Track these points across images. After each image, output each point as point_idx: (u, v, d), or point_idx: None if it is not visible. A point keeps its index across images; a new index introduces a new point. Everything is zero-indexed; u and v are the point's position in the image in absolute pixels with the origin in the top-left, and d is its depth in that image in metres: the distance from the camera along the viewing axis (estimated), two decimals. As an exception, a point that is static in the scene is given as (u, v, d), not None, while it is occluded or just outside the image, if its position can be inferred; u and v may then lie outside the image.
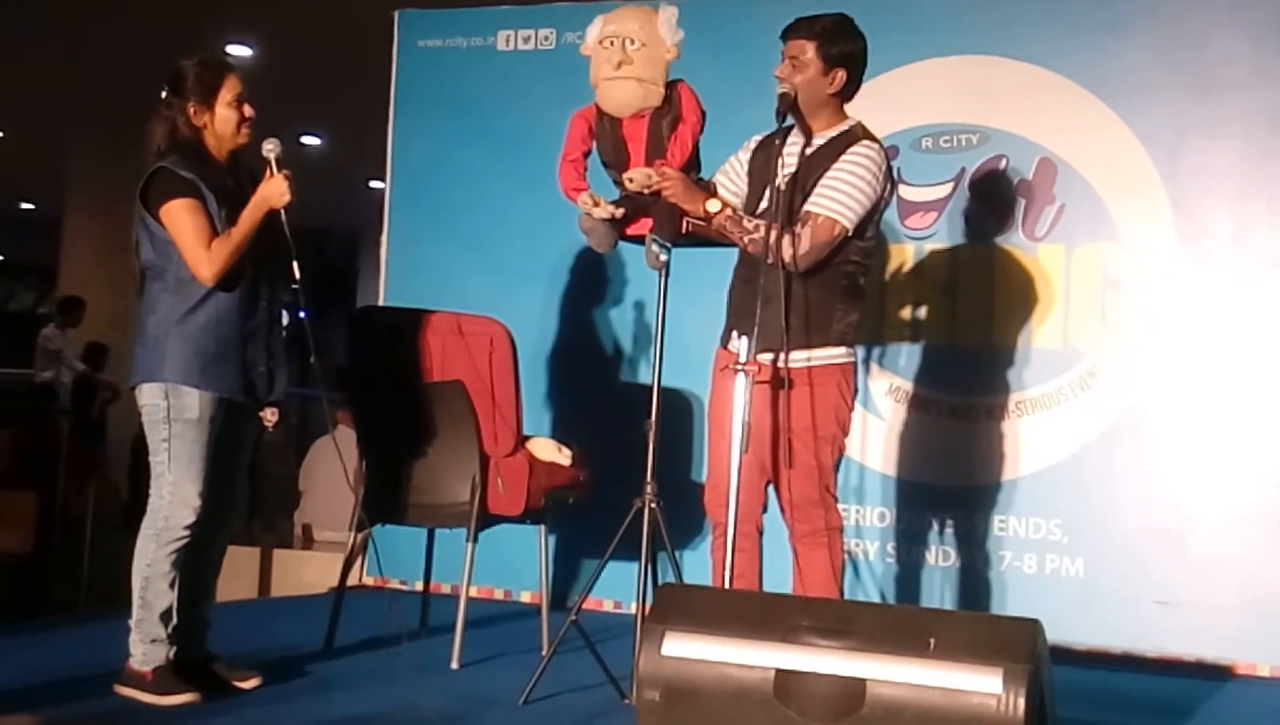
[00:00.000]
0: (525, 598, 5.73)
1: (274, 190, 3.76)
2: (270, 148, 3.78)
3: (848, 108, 3.93)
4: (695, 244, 3.94)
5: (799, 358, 3.80)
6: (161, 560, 3.69)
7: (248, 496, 4.15)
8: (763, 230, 3.75)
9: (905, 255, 5.50)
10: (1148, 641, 5.04)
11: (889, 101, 5.13)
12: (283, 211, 3.81)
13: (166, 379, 3.69)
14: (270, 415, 3.94)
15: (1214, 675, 4.87)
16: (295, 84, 10.32)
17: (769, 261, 3.68)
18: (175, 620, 3.73)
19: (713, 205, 3.82)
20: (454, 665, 4.33)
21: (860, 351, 4.10)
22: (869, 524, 5.43)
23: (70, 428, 8.81)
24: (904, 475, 5.41)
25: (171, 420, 3.68)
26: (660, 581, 3.86)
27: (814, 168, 3.81)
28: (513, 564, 5.35)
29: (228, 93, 3.79)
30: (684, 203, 3.83)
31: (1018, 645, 2.79)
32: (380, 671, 4.30)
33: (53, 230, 13.44)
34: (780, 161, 3.78)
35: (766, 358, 3.76)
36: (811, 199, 3.77)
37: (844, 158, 3.78)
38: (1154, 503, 5.12)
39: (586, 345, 5.88)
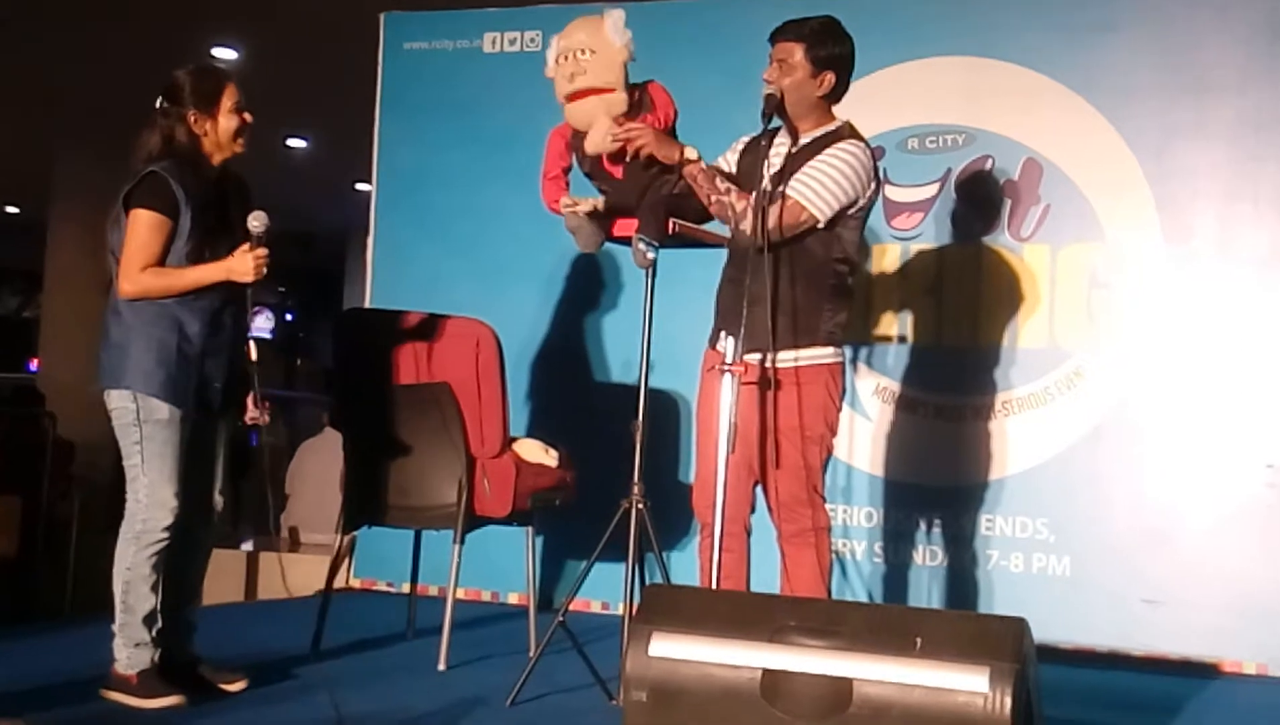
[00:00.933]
0: (512, 599, 5.73)
1: (242, 265, 3.70)
2: (256, 225, 3.71)
3: (836, 109, 3.94)
4: (682, 244, 3.94)
5: (786, 358, 3.80)
6: (142, 563, 3.68)
7: (232, 503, 4.14)
8: (733, 194, 3.76)
9: (892, 256, 5.51)
10: (1134, 640, 5.05)
11: (875, 102, 5.14)
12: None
13: (132, 386, 3.69)
14: (253, 411, 3.88)
15: (1200, 673, 4.88)
16: (281, 86, 10.28)
17: (738, 227, 3.70)
18: (159, 623, 3.72)
19: (691, 152, 3.82)
20: (441, 667, 4.33)
21: (847, 352, 4.10)
22: (856, 524, 5.43)
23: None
24: (891, 475, 5.42)
25: (142, 422, 3.68)
26: (647, 582, 3.86)
27: (798, 166, 3.81)
28: (500, 565, 5.36)
29: (228, 100, 3.80)
30: (659, 150, 3.81)
31: (1004, 644, 2.79)
32: (368, 673, 4.29)
33: (38, 234, 13.39)
34: (767, 162, 3.79)
35: (754, 358, 3.76)
36: (789, 183, 3.77)
37: (826, 151, 3.79)
38: (1140, 502, 5.13)
39: (573, 347, 5.88)
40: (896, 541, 5.39)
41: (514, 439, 4.57)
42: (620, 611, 3.90)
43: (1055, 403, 5.25)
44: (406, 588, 5.06)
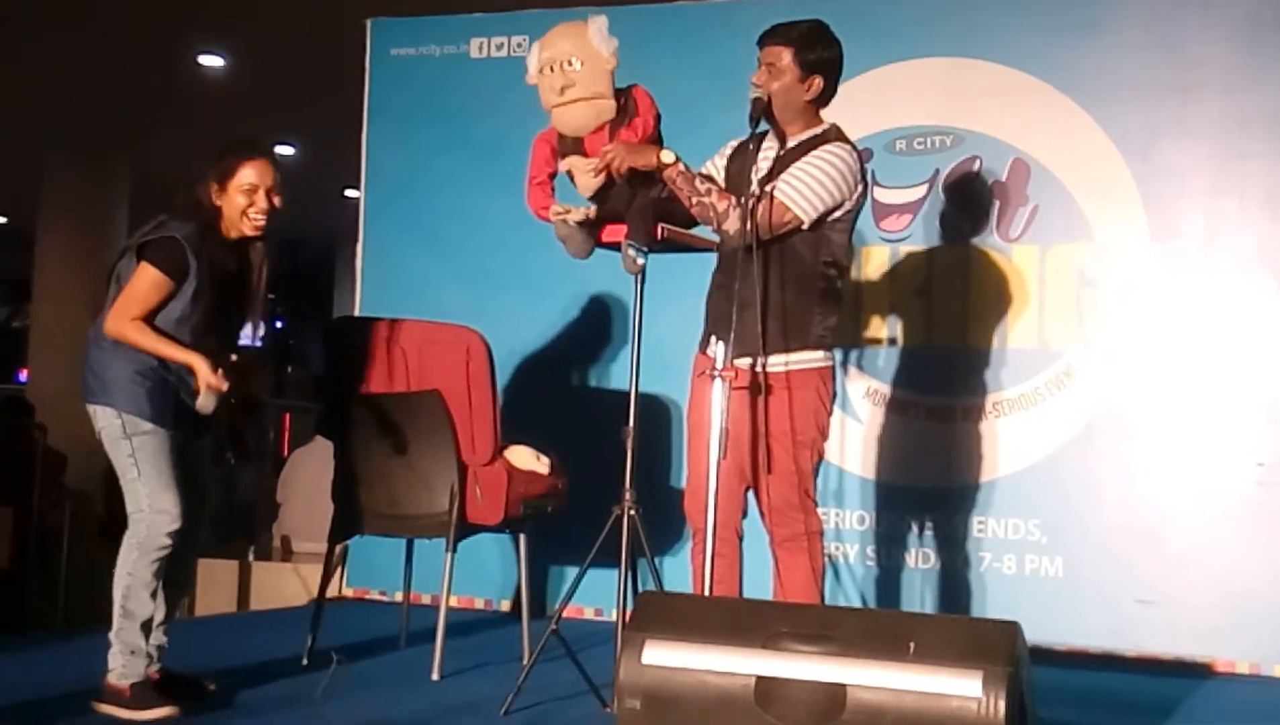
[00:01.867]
0: (505, 607, 5.72)
1: (205, 375, 3.67)
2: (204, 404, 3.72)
3: (824, 111, 3.93)
4: (671, 249, 3.94)
5: (777, 362, 3.80)
6: (144, 569, 3.69)
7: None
8: (714, 194, 3.75)
9: (881, 258, 5.51)
10: (1127, 640, 5.06)
11: (863, 104, 5.14)
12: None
13: (116, 405, 3.72)
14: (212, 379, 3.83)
15: (1193, 673, 4.89)
16: (268, 93, 10.29)
17: (721, 227, 3.71)
18: (153, 635, 3.72)
19: (667, 155, 3.80)
20: (435, 676, 4.32)
21: (838, 354, 4.11)
22: (849, 527, 5.44)
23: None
24: (883, 478, 5.42)
25: (130, 435, 3.71)
26: (640, 589, 3.86)
27: (785, 168, 3.81)
28: (492, 573, 5.36)
29: (241, 179, 3.81)
30: (635, 160, 3.80)
31: (997, 648, 2.79)
32: (361, 682, 4.28)
33: (26, 244, 13.36)
34: (755, 166, 3.78)
35: (745, 363, 3.75)
36: (775, 183, 3.76)
37: (812, 153, 3.79)
38: (1132, 501, 5.14)
39: (564, 353, 5.88)
40: (889, 544, 5.39)
41: (505, 446, 4.56)
42: (613, 618, 3.89)
43: (1046, 403, 5.26)
44: (399, 596, 5.06)
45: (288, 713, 3.87)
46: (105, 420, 3.74)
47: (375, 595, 6.03)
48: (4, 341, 18.86)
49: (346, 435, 4.69)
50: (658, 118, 3.96)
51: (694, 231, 3.99)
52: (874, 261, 5.51)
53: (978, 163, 5.41)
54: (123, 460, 3.72)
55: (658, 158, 3.80)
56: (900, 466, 5.40)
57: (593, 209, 3.91)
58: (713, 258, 4.01)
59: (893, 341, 5.49)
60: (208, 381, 3.67)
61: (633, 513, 3.78)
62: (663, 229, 3.83)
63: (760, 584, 3.91)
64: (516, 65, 5.97)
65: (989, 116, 5.39)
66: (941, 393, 5.38)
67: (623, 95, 3.92)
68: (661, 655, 2.96)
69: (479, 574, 5.29)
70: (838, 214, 3.83)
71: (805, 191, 3.74)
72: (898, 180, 5.48)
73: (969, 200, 5.40)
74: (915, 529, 5.36)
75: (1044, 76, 5.32)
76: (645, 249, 3.78)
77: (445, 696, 4.13)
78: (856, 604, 5.33)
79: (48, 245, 12.86)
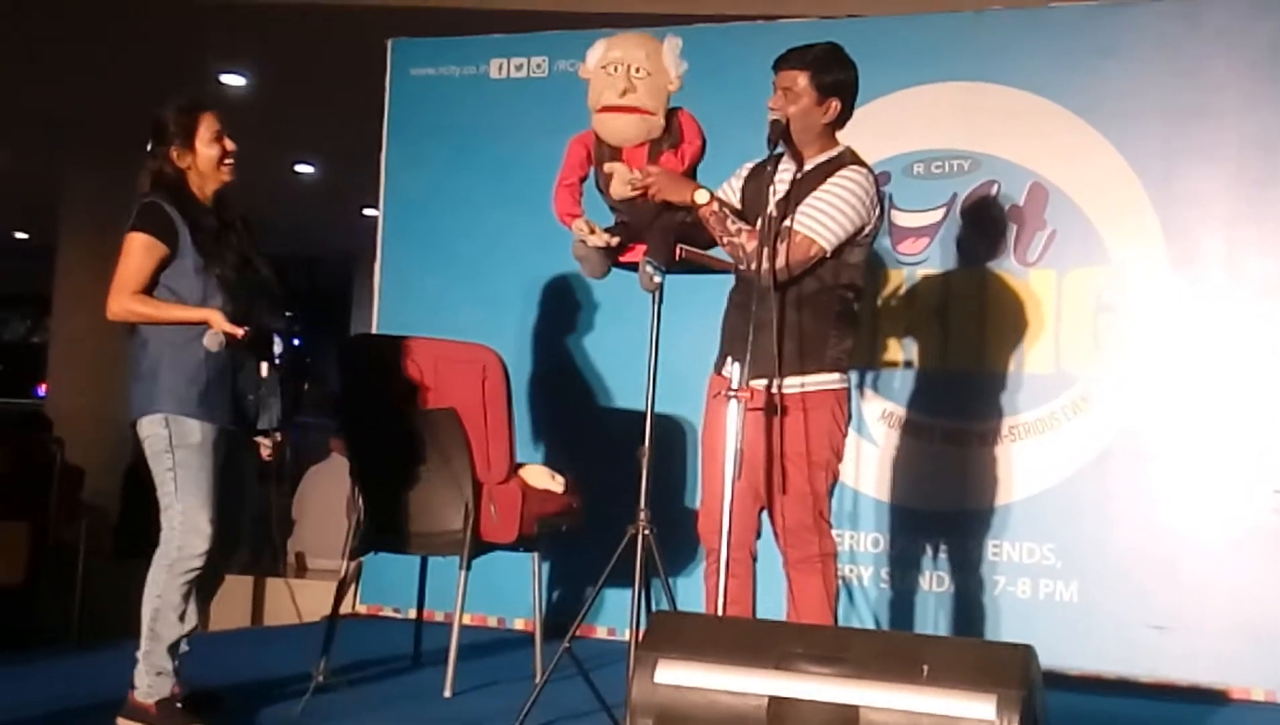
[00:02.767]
0: (519, 625, 5.72)
1: (220, 323, 3.69)
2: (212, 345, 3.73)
3: (841, 135, 3.94)
4: (689, 270, 3.94)
5: (793, 384, 3.80)
6: (173, 592, 3.68)
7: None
8: (744, 235, 3.76)
9: (898, 281, 5.52)
10: (1142, 666, 5.03)
11: (881, 128, 5.15)
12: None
13: (164, 410, 3.70)
14: (266, 444, 3.92)
15: (1209, 700, 4.87)
16: (289, 112, 10.34)
17: (743, 268, 3.69)
18: (182, 652, 3.72)
19: (701, 196, 3.80)
20: (447, 694, 4.32)
21: (853, 377, 4.10)
22: (863, 550, 5.42)
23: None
24: (897, 501, 5.41)
25: (175, 447, 3.68)
26: (654, 608, 3.86)
27: (803, 192, 3.81)
28: (506, 592, 5.35)
29: (206, 130, 3.82)
30: (671, 194, 3.80)
31: (1011, 671, 2.78)
32: (374, 700, 4.28)
33: (46, 259, 13.43)
34: (772, 189, 3.79)
35: (760, 384, 3.75)
36: (795, 216, 3.77)
37: (830, 180, 3.79)
38: (1147, 527, 5.12)
39: (579, 372, 5.89)
40: (903, 567, 5.37)
41: (520, 465, 4.57)
42: (626, 638, 3.89)
43: (1062, 428, 5.25)
44: (413, 613, 5.06)
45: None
46: (151, 430, 3.72)
47: (389, 612, 6.03)
48: (24, 356, 18.93)
49: (362, 452, 4.70)
50: (703, 144, 3.96)
51: (713, 252, 4.00)
52: (891, 284, 5.52)
53: (995, 187, 5.41)
54: (162, 473, 3.71)
55: (693, 196, 3.81)
56: (915, 489, 5.39)
57: (614, 239, 3.90)
58: (730, 279, 4.01)
59: (909, 364, 5.48)
60: (221, 326, 3.66)
61: (647, 532, 3.78)
62: (681, 249, 3.83)
63: (774, 605, 3.90)
64: (536, 86, 6.07)
65: (1007, 141, 5.40)
66: (957, 416, 5.38)
67: (670, 117, 3.92)
68: (674, 675, 2.95)
69: (493, 592, 5.29)
70: (856, 238, 3.83)
71: (826, 221, 3.75)
72: (915, 204, 5.48)
73: (986, 224, 5.41)
74: (929, 552, 5.35)
75: (1062, 101, 5.33)
76: (663, 267, 3.78)
77: (457, 714, 4.13)
78: (870, 626, 5.31)
79: (68, 261, 12.92)
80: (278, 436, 3.90)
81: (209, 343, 3.67)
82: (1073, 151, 5.31)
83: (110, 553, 9.03)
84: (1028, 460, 5.26)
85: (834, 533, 3.91)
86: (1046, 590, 5.18)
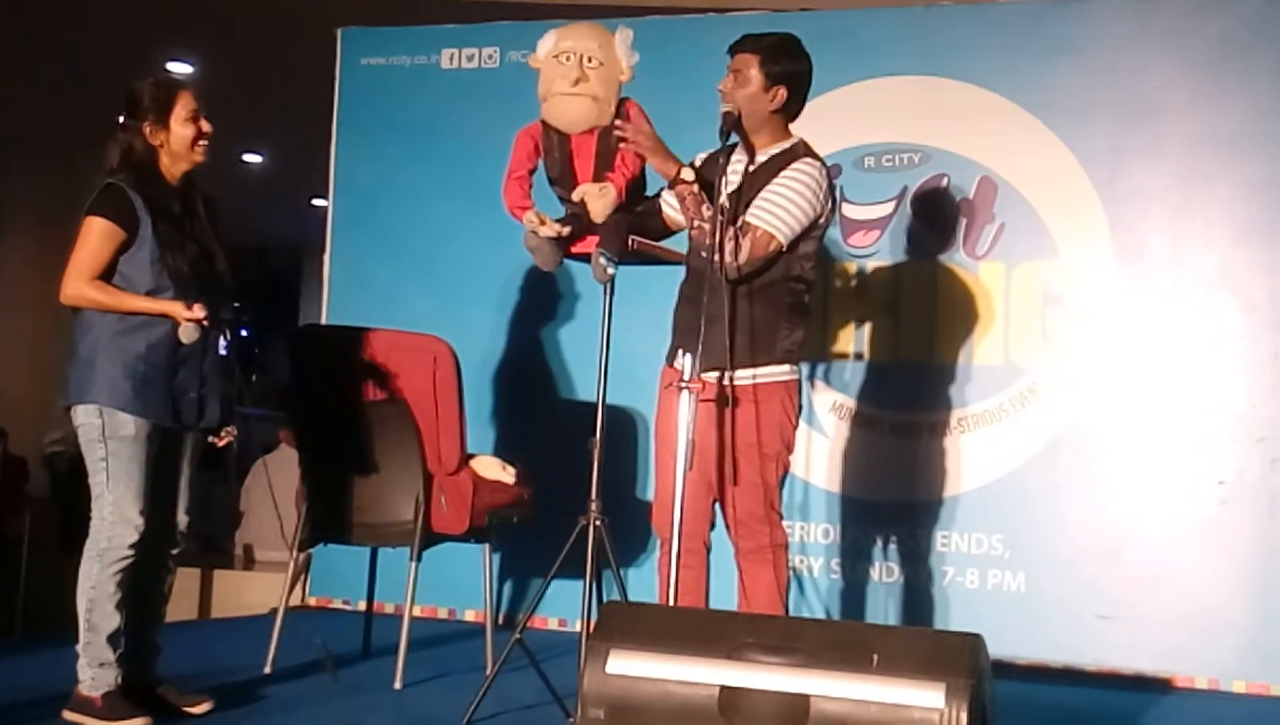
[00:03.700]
0: (469, 617, 5.71)
1: (181, 313, 3.65)
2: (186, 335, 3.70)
3: (792, 126, 3.95)
4: (640, 261, 3.94)
5: (744, 376, 3.80)
6: (106, 582, 3.63)
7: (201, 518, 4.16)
8: (716, 225, 3.75)
9: (848, 273, 5.54)
10: (1088, 655, 5.09)
11: (832, 120, 5.18)
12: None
13: (98, 400, 3.65)
14: (221, 438, 3.89)
15: (1153, 688, 4.92)
16: (238, 101, 10.22)
17: (702, 254, 3.68)
18: (123, 643, 3.68)
19: (687, 174, 3.78)
20: (397, 685, 4.31)
21: (804, 369, 4.12)
22: (814, 541, 5.45)
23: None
24: (848, 492, 5.44)
25: (107, 438, 3.63)
26: (605, 599, 3.86)
27: (755, 184, 3.82)
28: (457, 583, 5.34)
29: (182, 109, 3.77)
30: (656, 158, 3.78)
31: (960, 660, 2.80)
32: (323, 692, 4.26)
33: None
34: (724, 180, 3.80)
35: (712, 376, 3.76)
36: (750, 209, 3.78)
37: (784, 173, 3.80)
38: (1094, 518, 5.17)
39: (531, 363, 5.88)
40: (853, 558, 5.41)
41: (471, 456, 4.56)
42: (578, 629, 3.89)
43: (1010, 419, 5.29)
44: (362, 605, 5.04)
45: (250, 722, 3.85)
46: (84, 418, 3.67)
47: (338, 604, 6.01)
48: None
49: (312, 443, 4.68)
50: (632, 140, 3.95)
51: (663, 244, 4.00)
52: (842, 276, 5.54)
53: (946, 180, 5.44)
54: (94, 463, 3.66)
55: (678, 170, 3.79)
56: (865, 481, 5.43)
57: (566, 229, 3.90)
58: (681, 271, 4.02)
59: (859, 356, 5.51)
60: (185, 316, 3.62)
61: (598, 523, 3.78)
62: (633, 240, 3.83)
63: (726, 596, 3.91)
64: (487, 77, 6.05)
65: (957, 135, 5.43)
66: (907, 408, 5.41)
67: (619, 108, 3.92)
68: (626, 665, 2.95)
69: (443, 583, 5.28)
70: (809, 230, 3.85)
71: (783, 215, 3.76)
72: (866, 197, 5.51)
73: (937, 217, 5.44)
74: (879, 543, 5.38)
75: (1013, 96, 5.37)
76: (616, 259, 3.78)
77: (407, 706, 4.12)
78: (821, 616, 5.34)
79: (9, 252, 12.77)
80: (232, 429, 3.87)
81: (185, 336, 3.64)
82: (1022, 146, 5.35)
83: (55, 545, 8.92)
84: (977, 452, 5.31)
85: (785, 524, 3.92)
86: (994, 580, 5.22)
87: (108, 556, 3.63)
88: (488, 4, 7.04)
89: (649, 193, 4.05)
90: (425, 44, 6.18)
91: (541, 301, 5.85)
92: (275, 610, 4.64)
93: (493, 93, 5.86)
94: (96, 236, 3.66)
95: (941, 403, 5.35)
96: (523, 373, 5.88)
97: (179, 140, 3.77)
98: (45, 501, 9.78)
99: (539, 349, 5.88)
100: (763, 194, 3.78)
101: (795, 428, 3.91)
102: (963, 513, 5.29)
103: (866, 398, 5.44)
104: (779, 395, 3.84)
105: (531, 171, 4.00)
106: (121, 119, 3.78)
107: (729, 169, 3.86)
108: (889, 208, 5.50)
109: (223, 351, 3.87)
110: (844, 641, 2.93)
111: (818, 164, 3.86)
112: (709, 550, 3.88)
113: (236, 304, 4.02)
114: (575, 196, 3.89)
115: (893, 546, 5.37)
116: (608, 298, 3.87)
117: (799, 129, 3.95)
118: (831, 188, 3.91)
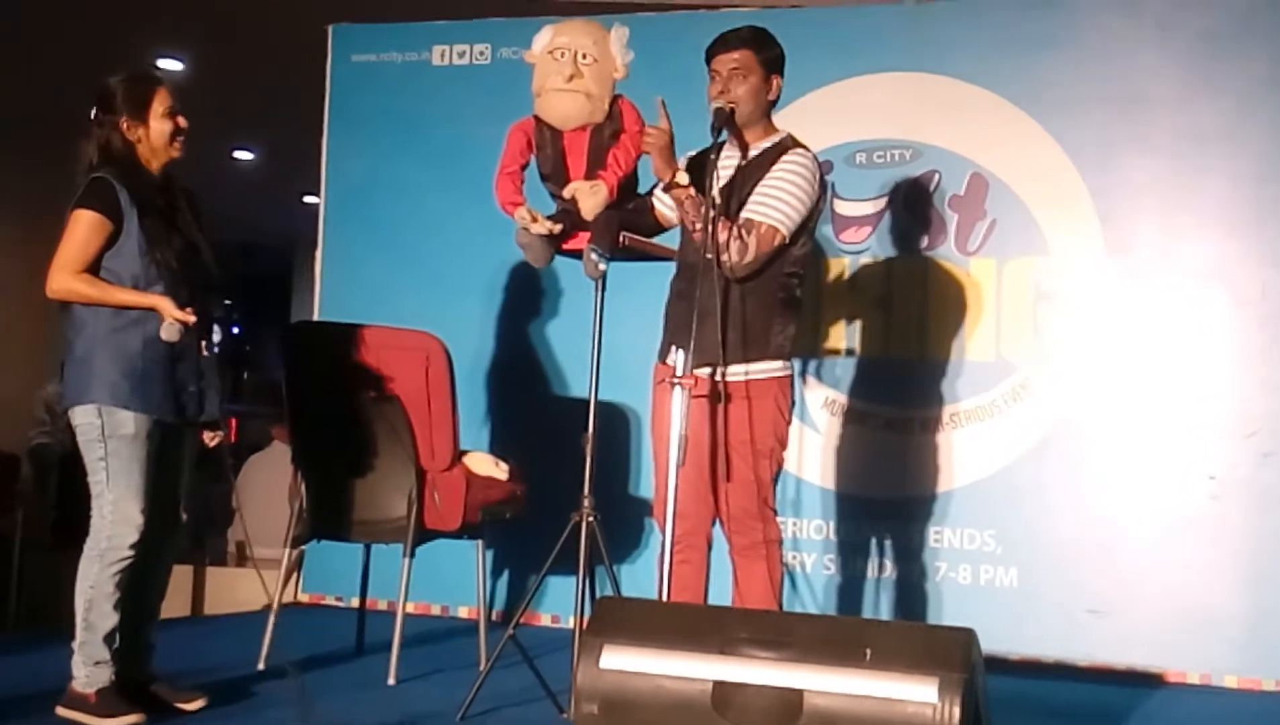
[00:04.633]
0: (463, 613, 5.71)
1: (170, 311, 3.64)
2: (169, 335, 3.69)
3: (777, 121, 3.96)
4: (632, 257, 3.95)
5: (736, 372, 3.81)
6: (105, 581, 3.63)
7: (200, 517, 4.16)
8: (717, 223, 3.75)
9: (840, 269, 5.54)
10: (1080, 650, 5.10)
11: (823, 117, 5.19)
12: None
13: (97, 400, 3.64)
14: (210, 437, 3.89)
15: (1144, 683, 4.93)
16: (228, 98, 10.22)
17: (708, 256, 3.68)
18: (118, 642, 3.68)
19: (682, 178, 3.79)
20: (391, 681, 4.31)
21: (796, 365, 4.12)
22: (807, 537, 5.45)
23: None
24: (841, 488, 5.44)
25: (107, 437, 3.63)
26: (598, 595, 3.86)
27: (749, 178, 3.83)
28: (450, 579, 5.34)
29: (160, 105, 3.77)
30: (660, 160, 3.77)
31: (952, 654, 2.81)
32: (317, 689, 4.24)
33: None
34: (715, 176, 3.80)
35: (704, 372, 3.77)
36: (750, 206, 3.78)
37: (778, 165, 3.81)
38: (1086, 513, 5.18)
39: (523, 359, 5.88)
40: (846, 554, 5.41)
41: (464, 452, 4.56)
42: (571, 624, 3.89)
43: (1002, 415, 5.30)
44: (356, 602, 5.04)
45: (244, 719, 3.85)
46: (83, 418, 3.66)
47: (331, 601, 6.00)
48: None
49: (305, 440, 4.68)
50: (643, 131, 3.97)
51: (655, 241, 4.00)
52: (833, 273, 5.54)
53: (936, 177, 5.45)
54: (94, 463, 3.65)
55: (674, 174, 3.80)
56: (858, 477, 5.43)
57: (557, 227, 3.91)
58: (672, 266, 4.02)
59: (851, 352, 5.51)
60: (175, 315, 3.61)
61: (591, 519, 3.79)
62: (625, 237, 3.84)
63: (719, 592, 3.92)
64: (478, 73, 6.04)
65: (948, 131, 5.43)
66: (899, 404, 5.41)
67: (611, 104, 3.94)
68: (619, 660, 2.96)
69: (436, 580, 5.27)
70: (806, 223, 3.86)
71: (783, 207, 3.77)
72: (857, 193, 5.51)
73: (927, 213, 5.44)
74: (872, 539, 5.38)
75: (1002, 92, 5.37)
76: (607, 255, 3.79)
77: (401, 702, 4.12)
78: (814, 612, 5.34)
79: (-2, 246, 12.74)
80: (220, 426, 3.87)
81: (166, 334, 3.62)
82: (1012, 141, 5.35)
83: (47, 542, 8.91)
84: (968, 447, 5.31)
85: (778, 520, 3.93)
86: (987, 576, 5.23)
87: (108, 556, 3.63)
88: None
89: (641, 190, 4.05)
90: (416, 40, 6.17)
91: (534, 297, 5.85)
92: (268, 607, 4.64)
93: (484, 89, 5.86)
94: (84, 228, 3.65)
95: (933, 399, 5.36)
96: (515, 368, 5.88)
97: (157, 136, 3.77)
98: (36, 499, 9.75)
99: (531, 345, 5.88)
100: (760, 188, 3.79)
101: (789, 423, 3.91)
102: (955, 508, 5.30)
103: (858, 394, 5.45)
104: (772, 391, 3.85)
105: (524, 167, 4.01)
106: (95, 114, 3.77)
107: (720, 165, 3.85)
108: (880, 204, 5.50)
109: (214, 347, 3.87)
110: (837, 636, 2.95)
111: (810, 155, 3.88)
112: (711, 545, 3.88)
113: (227, 301, 4.02)
114: (566, 194, 3.90)
115: (886, 542, 5.37)
116: (600, 294, 3.87)
117: (791, 125, 3.96)
118: (823, 178, 3.94)
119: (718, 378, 3.79)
